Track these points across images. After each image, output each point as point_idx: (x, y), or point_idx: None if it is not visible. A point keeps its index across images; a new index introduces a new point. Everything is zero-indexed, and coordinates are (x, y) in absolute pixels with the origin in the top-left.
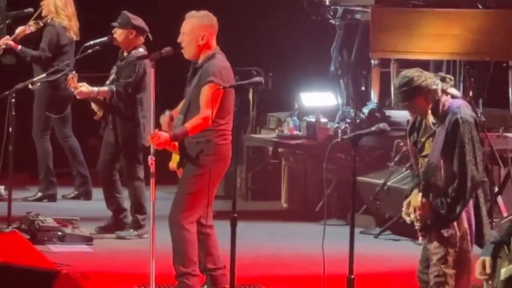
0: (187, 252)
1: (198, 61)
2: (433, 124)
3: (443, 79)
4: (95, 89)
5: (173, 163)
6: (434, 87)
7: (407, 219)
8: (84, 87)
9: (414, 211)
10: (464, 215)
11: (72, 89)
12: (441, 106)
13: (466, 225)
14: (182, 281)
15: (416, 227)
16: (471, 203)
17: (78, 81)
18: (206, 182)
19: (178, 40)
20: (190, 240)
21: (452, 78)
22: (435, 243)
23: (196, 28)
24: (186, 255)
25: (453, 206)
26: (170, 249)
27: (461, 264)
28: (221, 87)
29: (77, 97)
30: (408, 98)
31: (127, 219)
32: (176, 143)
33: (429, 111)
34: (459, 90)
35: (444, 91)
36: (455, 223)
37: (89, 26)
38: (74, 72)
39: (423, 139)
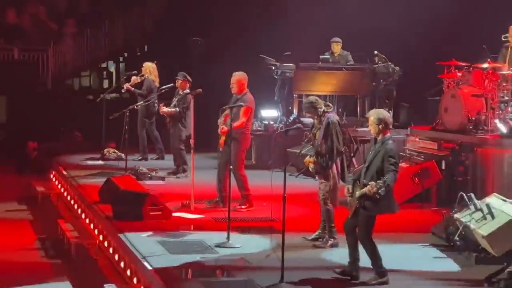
0: (246, 184)
1: (239, 95)
2: (318, 124)
3: (326, 105)
4: (171, 109)
5: (222, 141)
6: (319, 108)
7: (310, 168)
8: (165, 108)
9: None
10: (334, 167)
11: (160, 109)
12: (323, 117)
13: (335, 171)
14: (244, 196)
15: (313, 172)
16: (338, 161)
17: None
18: (242, 151)
19: (231, 87)
20: (246, 180)
21: (331, 105)
22: (322, 180)
23: (240, 80)
24: (246, 186)
25: (328, 162)
26: (202, 184)
27: (333, 190)
28: (252, 109)
29: (161, 113)
30: (308, 110)
31: (181, 169)
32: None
33: (316, 118)
34: (334, 109)
35: (326, 112)
36: (330, 171)
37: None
38: (162, 104)
39: (315, 131)
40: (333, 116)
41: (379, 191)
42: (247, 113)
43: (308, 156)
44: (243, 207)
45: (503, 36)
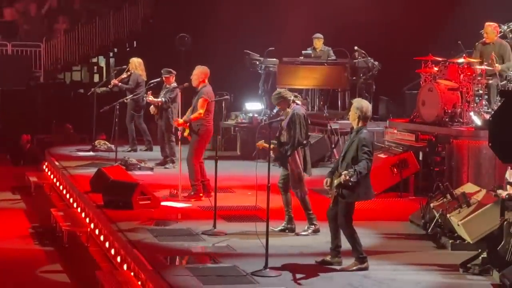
0: (196, 174)
1: (198, 88)
2: (286, 114)
3: (296, 96)
4: (157, 99)
5: (186, 133)
6: (289, 98)
7: (272, 154)
8: (151, 97)
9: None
10: (296, 156)
11: (147, 97)
12: (290, 107)
13: (298, 161)
14: (194, 186)
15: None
16: (301, 152)
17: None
18: (201, 143)
19: (191, 78)
20: (197, 169)
21: (298, 95)
22: (288, 170)
23: (199, 73)
24: (196, 175)
25: (288, 151)
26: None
27: (300, 178)
28: (209, 100)
29: (147, 101)
30: (277, 102)
31: (170, 160)
32: (187, 124)
33: (287, 109)
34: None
35: (294, 101)
36: (291, 160)
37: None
38: (150, 92)
39: (283, 122)
40: (300, 108)
41: (351, 178)
42: (203, 105)
43: (263, 141)
44: (192, 199)
45: (481, 31)
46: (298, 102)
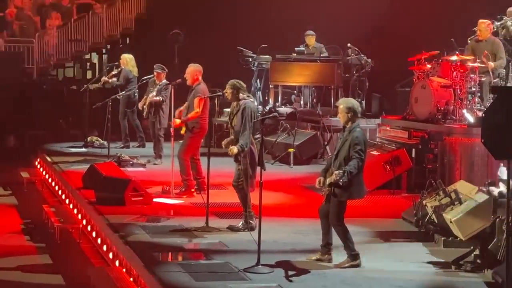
0: (187, 170)
1: (192, 86)
2: (236, 107)
3: (248, 96)
4: (155, 98)
5: (182, 132)
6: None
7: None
8: (153, 98)
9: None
10: (249, 153)
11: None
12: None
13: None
14: (185, 182)
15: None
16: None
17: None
18: (194, 140)
19: (185, 76)
20: (188, 165)
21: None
22: (238, 165)
23: (193, 72)
24: (187, 171)
25: (241, 147)
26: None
27: (246, 175)
28: (204, 97)
29: (150, 102)
30: (230, 96)
31: (158, 155)
32: (183, 124)
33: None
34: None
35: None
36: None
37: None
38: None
39: (232, 118)
40: (249, 103)
41: (341, 179)
42: (199, 104)
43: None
44: (184, 195)
45: (474, 28)
46: (252, 98)
